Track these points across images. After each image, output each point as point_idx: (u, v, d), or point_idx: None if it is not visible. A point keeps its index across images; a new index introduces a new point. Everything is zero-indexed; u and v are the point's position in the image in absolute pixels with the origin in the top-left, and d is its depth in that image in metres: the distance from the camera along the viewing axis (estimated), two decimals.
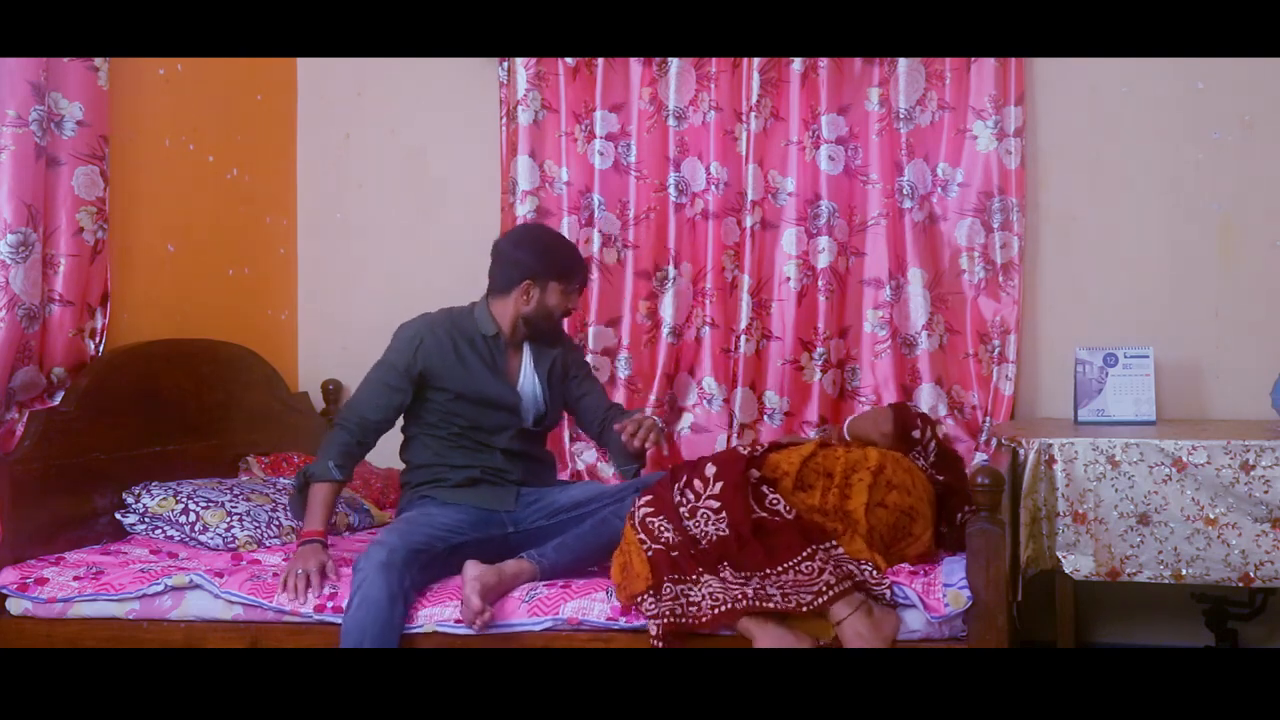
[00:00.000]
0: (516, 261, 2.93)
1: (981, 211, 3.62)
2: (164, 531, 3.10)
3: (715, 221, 3.75)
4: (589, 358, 3.79)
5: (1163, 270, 3.57)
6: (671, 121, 3.78)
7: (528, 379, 3.00)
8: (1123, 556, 2.92)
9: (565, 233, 3.79)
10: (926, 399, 3.64)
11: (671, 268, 3.79)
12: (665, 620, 2.44)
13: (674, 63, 3.75)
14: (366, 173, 4.09)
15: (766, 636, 2.42)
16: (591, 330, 3.80)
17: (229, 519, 3.08)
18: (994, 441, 3.21)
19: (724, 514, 2.57)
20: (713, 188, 3.75)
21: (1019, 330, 3.59)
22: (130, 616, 2.72)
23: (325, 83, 4.10)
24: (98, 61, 3.06)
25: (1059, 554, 2.95)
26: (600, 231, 3.80)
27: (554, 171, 3.84)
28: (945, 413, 3.64)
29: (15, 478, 2.85)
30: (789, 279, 3.70)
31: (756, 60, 3.67)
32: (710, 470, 2.65)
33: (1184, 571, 2.89)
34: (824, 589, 2.43)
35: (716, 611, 2.44)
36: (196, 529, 3.06)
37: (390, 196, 4.07)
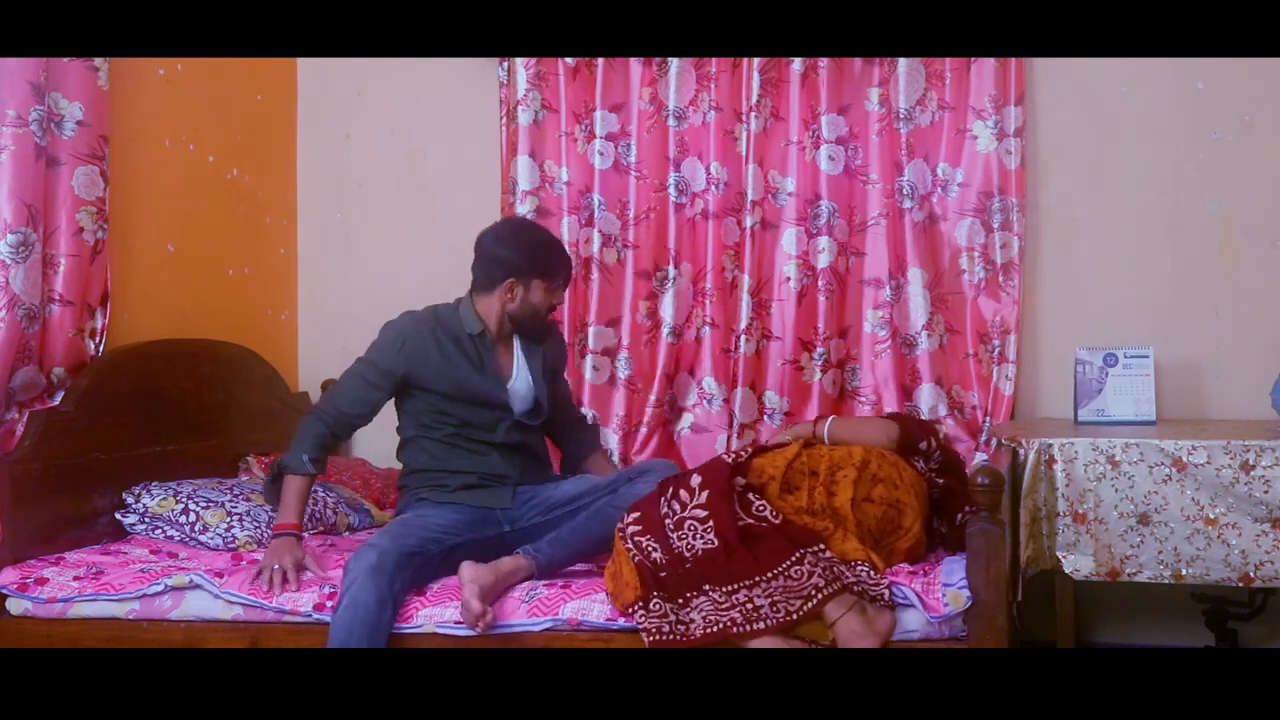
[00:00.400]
0: (499, 259, 2.91)
1: (981, 211, 3.62)
2: (164, 531, 3.10)
3: (715, 221, 3.75)
4: (589, 358, 3.80)
5: (1163, 270, 3.57)
6: (671, 121, 3.78)
7: (520, 374, 2.99)
8: (1123, 556, 2.92)
9: (565, 233, 3.79)
10: (926, 399, 3.64)
11: (671, 268, 3.79)
12: (654, 636, 2.44)
13: (674, 63, 3.75)
14: (366, 173, 4.09)
15: (760, 644, 2.42)
16: (591, 330, 3.80)
17: (229, 519, 3.08)
18: (994, 441, 3.21)
19: (711, 523, 2.56)
20: (713, 188, 3.75)
21: (1019, 330, 3.59)
22: (130, 616, 2.72)
23: (325, 83, 4.10)
24: (98, 61, 3.06)
25: (1059, 554, 2.95)
26: (600, 231, 3.79)
27: (554, 171, 3.84)
28: (945, 413, 3.64)
29: (15, 478, 2.85)
30: (789, 279, 3.70)
31: (756, 60, 3.67)
32: (696, 480, 2.65)
33: (1184, 571, 2.89)
34: (813, 592, 2.43)
35: (709, 632, 2.43)
36: (196, 529, 3.06)
37: (390, 196, 4.07)
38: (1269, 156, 3.49)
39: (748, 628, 2.41)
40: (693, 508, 2.60)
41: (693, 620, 2.45)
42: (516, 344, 3.01)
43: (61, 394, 3.05)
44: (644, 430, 3.77)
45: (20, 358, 2.91)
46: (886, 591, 2.47)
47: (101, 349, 3.16)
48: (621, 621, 2.53)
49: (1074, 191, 3.63)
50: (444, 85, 3.99)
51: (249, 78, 3.88)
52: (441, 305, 3.00)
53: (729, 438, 3.72)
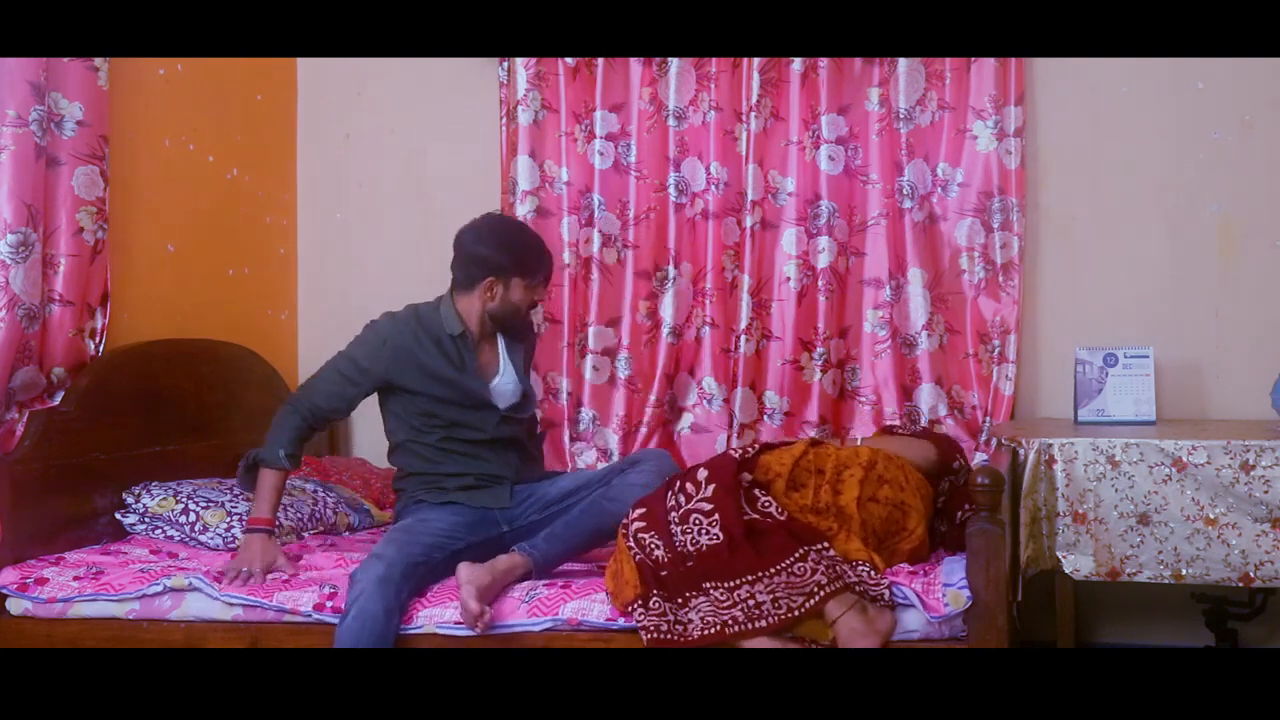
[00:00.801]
0: (478, 258, 2.90)
1: (981, 211, 3.62)
2: (164, 531, 3.10)
3: (715, 221, 3.75)
4: (589, 358, 3.80)
5: (1163, 270, 3.57)
6: (671, 121, 3.78)
7: (506, 371, 2.98)
8: (1123, 556, 2.92)
9: (565, 233, 3.80)
10: (926, 399, 3.65)
11: (671, 268, 3.79)
12: (652, 635, 2.44)
13: (674, 63, 3.75)
14: (366, 173, 4.09)
15: (757, 644, 2.42)
16: (591, 330, 3.80)
17: (229, 519, 3.08)
18: (994, 441, 3.21)
19: (716, 516, 2.57)
20: (713, 188, 3.75)
21: (1019, 330, 3.59)
22: (130, 616, 2.72)
23: (325, 83, 4.10)
24: (98, 61, 3.06)
25: (1059, 554, 2.95)
26: (600, 231, 3.80)
27: (554, 171, 3.84)
28: (945, 413, 3.64)
29: (15, 478, 2.84)
30: (789, 279, 3.70)
31: (756, 60, 3.67)
32: (702, 474, 2.66)
33: (1184, 571, 2.89)
34: (815, 589, 2.43)
35: (707, 633, 2.43)
36: (196, 529, 3.06)
37: (390, 196, 4.07)
38: (1269, 156, 3.49)
39: (749, 625, 2.41)
40: (698, 500, 2.61)
41: (691, 620, 2.45)
42: (500, 341, 3.00)
43: (61, 394, 3.05)
44: (644, 430, 3.78)
45: (20, 358, 2.91)
46: (887, 591, 2.47)
47: (101, 349, 3.16)
48: (621, 621, 2.53)
49: (1074, 191, 3.63)
50: (444, 85, 3.99)
51: (249, 78, 3.88)
52: (422, 305, 2.98)
53: (729, 438, 3.72)
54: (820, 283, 3.68)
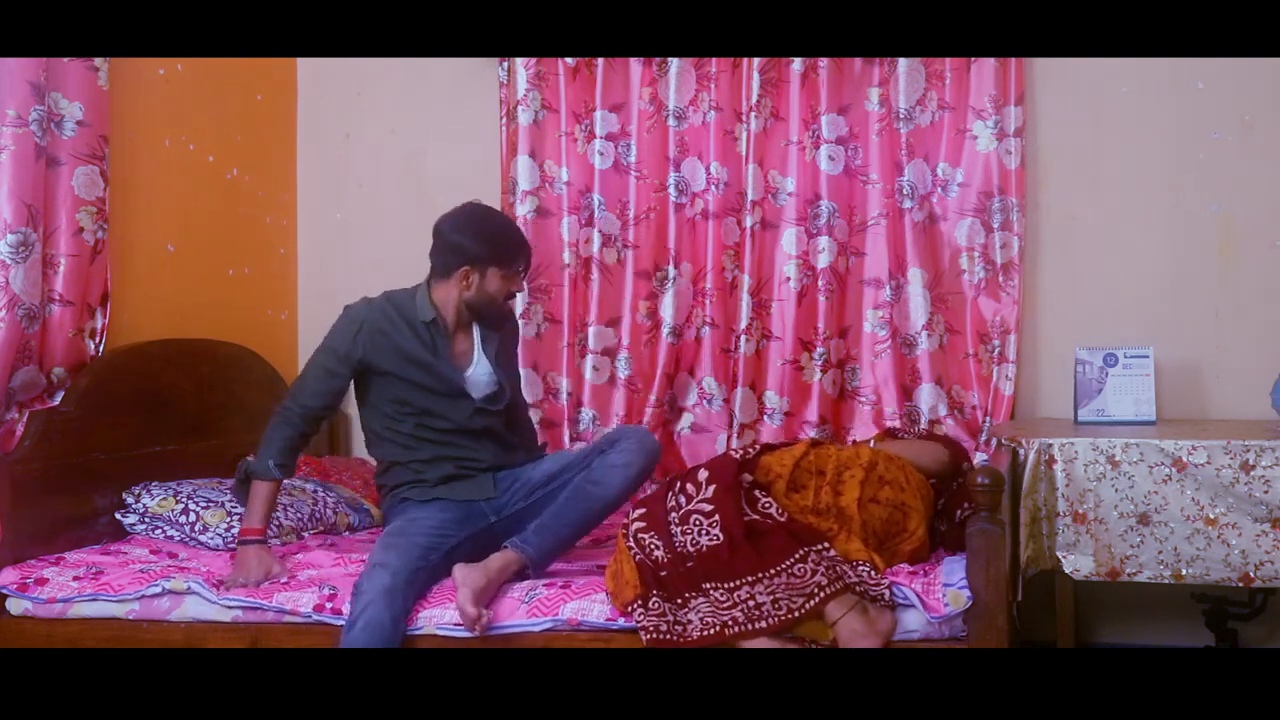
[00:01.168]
0: (455, 246, 2.88)
1: (981, 211, 3.62)
2: (164, 531, 3.10)
3: (715, 221, 3.75)
4: (589, 358, 3.80)
5: (1163, 270, 3.57)
6: (671, 121, 3.78)
7: (480, 361, 2.96)
8: (1123, 556, 2.92)
9: (565, 233, 3.80)
10: (926, 399, 3.65)
11: (671, 268, 3.79)
12: (652, 635, 2.44)
13: (674, 63, 3.75)
14: (366, 173, 4.09)
15: (756, 644, 2.42)
16: (591, 330, 3.80)
17: (229, 519, 3.08)
18: (994, 441, 3.21)
19: (716, 517, 2.57)
20: (713, 188, 3.75)
21: (1019, 330, 3.60)
22: (130, 617, 2.72)
23: (325, 83, 4.10)
24: (98, 61, 3.06)
25: (1059, 554, 2.95)
26: (600, 231, 3.80)
27: (554, 171, 3.84)
28: (945, 413, 3.64)
29: (15, 478, 2.85)
30: (789, 279, 3.70)
31: (756, 60, 3.67)
32: (703, 475, 2.66)
33: (1184, 571, 2.89)
34: (816, 590, 2.43)
35: (707, 634, 2.43)
36: (196, 529, 3.06)
37: (390, 196, 4.07)
38: (1269, 156, 3.49)
39: (749, 626, 2.41)
40: (698, 501, 2.61)
41: (690, 621, 2.45)
42: (476, 331, 2.98)
43: (61, 394, 3.05)
44: None
45: (20, 358, 2.91)
46: (887, 592, 2.47)
47: (101, 349, 3.16)
48: (621, 621, 2.53)
49: (1074, 191, 3.63)
50: (444, 85, 3.99)
51: (249, 78, 3.88)
52: (398, 291, 2.97)
53: (729, 438, 3.72)
54: (820, 283, 3.68)
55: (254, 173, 3.92)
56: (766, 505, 2.63)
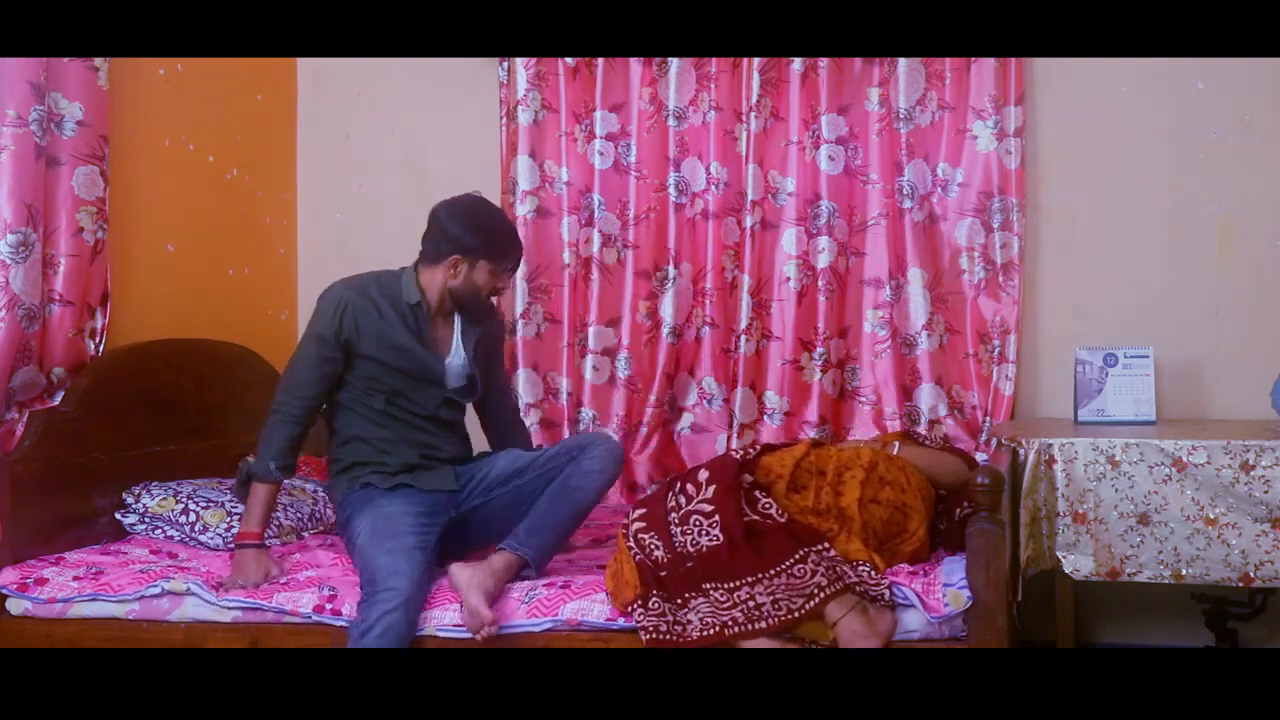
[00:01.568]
0: (448, 234, 2.87)
1: (981, 211, 3.62)
2: (164, 531, 3.09)
3: (715, 221, 3.75)
4: (589, 358, 3.80)
5: (1163, 270, 3.57)
6: (671, 121, 3.78)
7: (457, 350, 2.95)
8: (1123, 556, 2.92)
9: (565, 233, 3.80)
10: (926, 399, 3.65)
11: (671, 268, 3.79)
12: (652, 635, 2.44)
13: (674, 63, 3.75)
14: (366, 173, 4.09)
15: (756, 644, 2.42)
16: (591, 330, 3.80)
17: (229, 519, 3.07)
18: (994, 441, 3.21)
19: (716, 517, 2.57)
20: (713, 188, 3.75)
21: (1019, 330, 3.60)
22: (130, 617, 2.72)
23: (325, 83, 4.10)
24: (98, 61, 3.06)
25: (1059, 554, 2.95)
26: (600, 231, 3.80)
27: (554, 171, 3.84)
28: (945, 413, 3.64)
29: (15, 478, 2.84)
30: (789, 279, 3.70)
31: (756, 60, 3.67)
32: (703, 475, 2.66)
33: (1184, 571, 2.89)
34: (816, 591, 2.43)
35: (706, 634, 2.42)
36: (196, 529, 3.06)
37: (390, 196, 4.07)
38: (1269, 156, 3.49)
39: (749, 626, 2.41)
40: (699, 501, 2.61)
41: (690, 621, 2.45)
42: (457, 321, 2.97)
43: (61, 394, 3.05)
44: (644, 430, 3.78)
45: (20, 358, 2.91)
46: (887, 592, 2.47)
47: (101, 349, 3.16)
48: (621, 621, 2.53)
49: (1074, 191, 3.63)
50: (444, 85, 3.99)
51: (249, 78, 3.88)
52: (384, 271, 2.95)
53: (729, 438, 3.72)
54: (820, 283, 3.68)
55: (254, 173, 3.92)
56: (767, 506, 2.63)
